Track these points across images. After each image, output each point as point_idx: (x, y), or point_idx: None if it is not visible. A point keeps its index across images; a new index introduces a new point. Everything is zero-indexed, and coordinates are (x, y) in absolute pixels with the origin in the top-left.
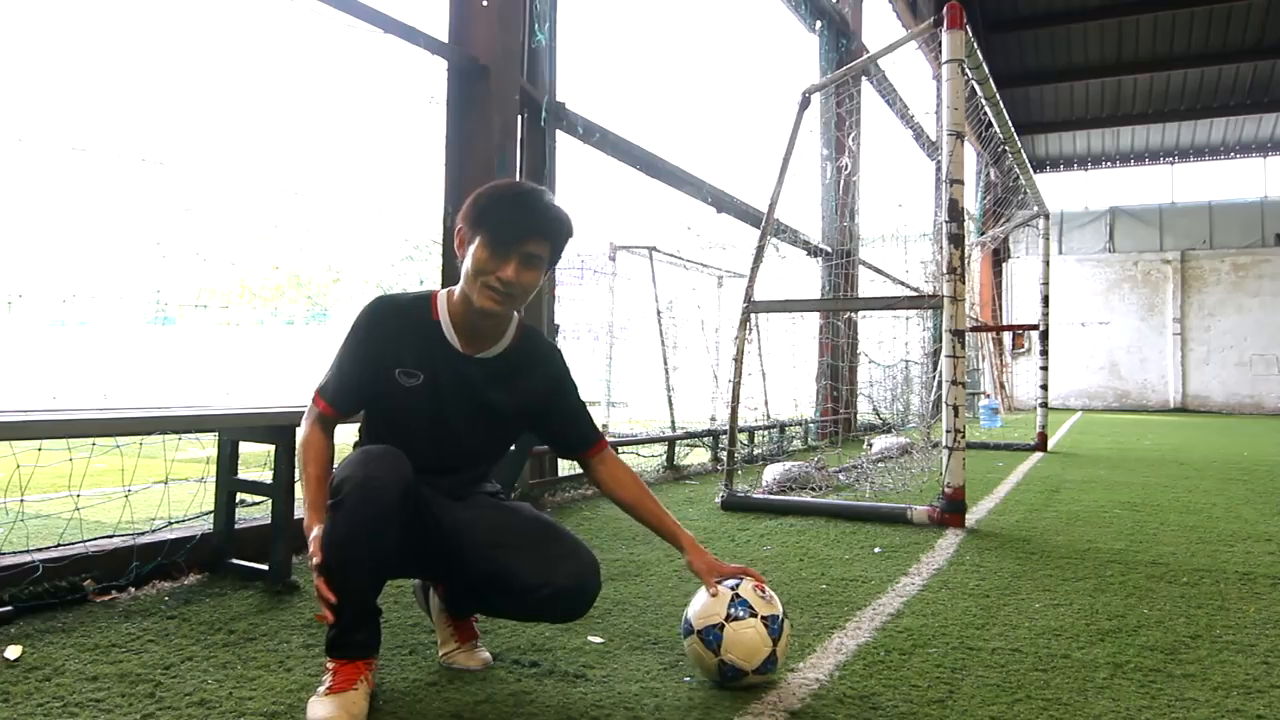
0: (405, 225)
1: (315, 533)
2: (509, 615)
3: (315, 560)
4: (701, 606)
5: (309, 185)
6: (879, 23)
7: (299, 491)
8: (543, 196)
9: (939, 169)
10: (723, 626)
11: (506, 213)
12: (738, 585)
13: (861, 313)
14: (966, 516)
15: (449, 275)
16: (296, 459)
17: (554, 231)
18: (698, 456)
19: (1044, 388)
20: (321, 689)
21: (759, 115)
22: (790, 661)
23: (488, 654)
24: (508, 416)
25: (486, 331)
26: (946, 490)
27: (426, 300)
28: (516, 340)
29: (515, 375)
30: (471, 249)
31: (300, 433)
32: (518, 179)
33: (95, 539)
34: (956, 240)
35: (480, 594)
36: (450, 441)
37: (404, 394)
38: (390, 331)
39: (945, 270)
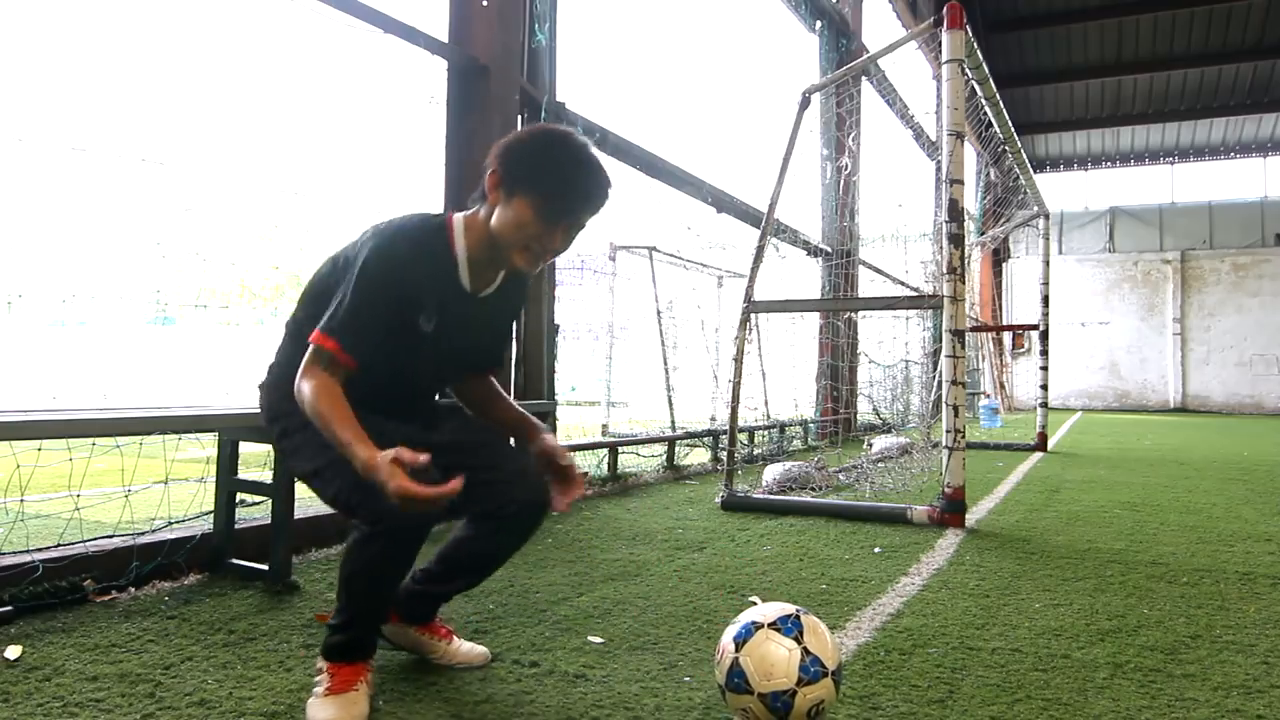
0: None
1: (381, 460)
2: (473, 552)
3: (398, 486)
4: (762, 664)
5: (309, 185)
6: (879, 23)
7: (299, 490)
8: (600, 166)
9: (939, 169)
10: (794, 694)
11: (568, 185)
12: (799, 628)
13: (861, 313)
14: (966, 516)
15: None
16: (311, 409)
17: (606, 203)
18: (698, 456)
19: (1044, 388)
20: (319, 690)
21: (759, 115)
22: None
23: (469, 645)
24: (496, 343)
25: (498, 269)
26: (946, 490)
27: (442, 232)
28: (510, 272)
29: (504, 304)
30: (514, 205)
31: (309, 382)
32: (566, 130)
33: (95, 539)
34: (956, 240)
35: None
36: (442, 377)
37: (418, 338)
38: (411, 276)
39: (945, 270)
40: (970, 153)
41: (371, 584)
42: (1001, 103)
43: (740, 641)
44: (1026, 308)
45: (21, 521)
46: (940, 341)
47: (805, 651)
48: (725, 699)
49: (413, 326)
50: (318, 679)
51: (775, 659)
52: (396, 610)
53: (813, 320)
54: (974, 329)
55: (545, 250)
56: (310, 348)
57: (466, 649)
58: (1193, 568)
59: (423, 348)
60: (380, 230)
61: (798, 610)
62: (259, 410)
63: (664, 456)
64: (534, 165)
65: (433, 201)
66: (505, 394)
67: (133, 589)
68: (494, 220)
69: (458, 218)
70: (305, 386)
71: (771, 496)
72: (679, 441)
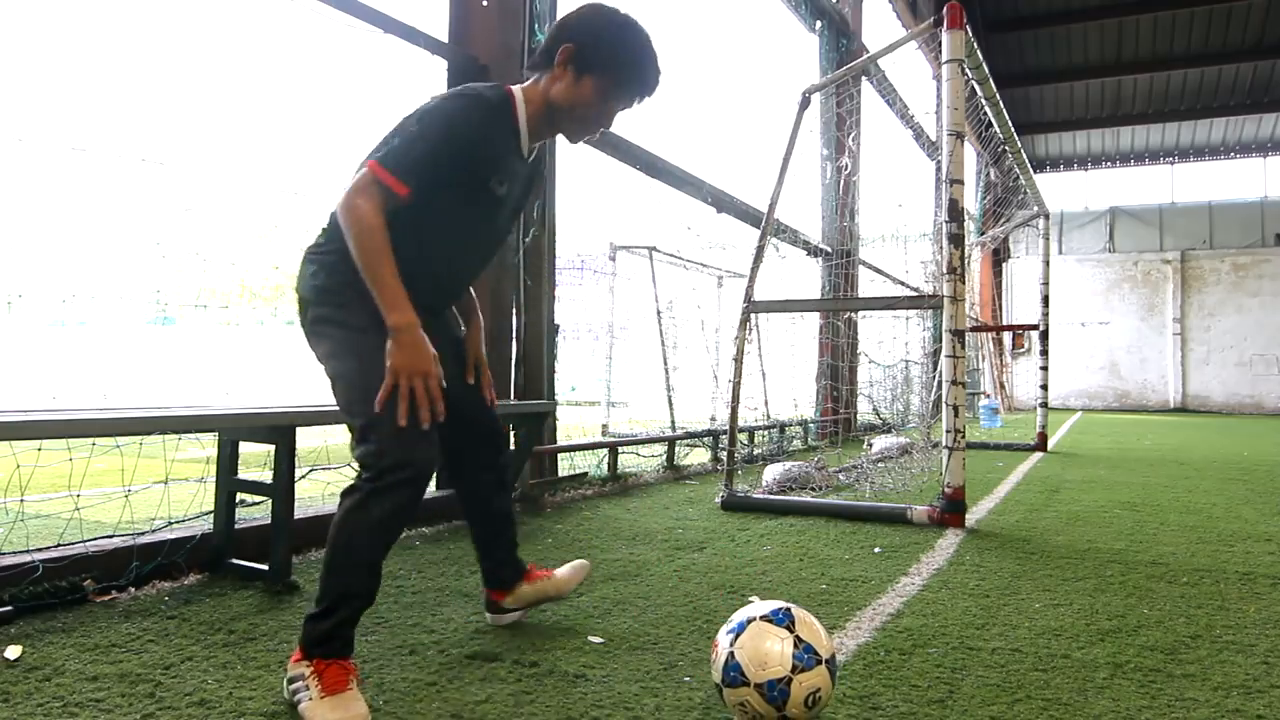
0: None
1: (424, 345)
2: (489, 511)
3: (432, 373)
4: (757, 654)
5: (309, 185)
6: (879, 23)
7: (299, 490)
8: (658, 55)
9: (939, 169)
10: (789, 680)
11: (637, 76)
12: (790, 619)
13: (861, 313)
14: (966, 516)
15: None
16: (358, 239)
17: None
18: (698, 456)
19: (1044, 388)
20: (311, 694)
21: (759, 115)
22: None
23: (567, 567)
24: (521, 208)
25: (543, 137)
26: (946, 490)
27: (509, 103)
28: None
29: (536, 169)
30: (582, 84)
31: (361, 213)
32: (633, 17)
33: (95, 539)
34: (956, 240)
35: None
36: (489, 249)
37: (493, 201)
38: (489, 139)
39: (945, 270)
40: (970, 153)
41: (366, 553)
42: (1001, 103)
43: (734, 637)
44: (1026, 308)
45: (21, 521)
46: (940, 341)
47: (798, 640)
48: (723, 696)
49: (484, 188)
50: (299, 685)
51: (769, 649)
52: (499, 588)
53: (813, 320)
54: (974, 329)
55: (598, 127)
56: (363, 171)
57: (568, 571)
58: (1193, 568)
59: (498, 210)
60: (456, 93)
61: (789, 605)
62: (298, 278)
63: (664, 456)
64: (610, 52)
65: None
66: (473, 296)
67: (133, 589)
68: (555, 92)
69: (517, 90)
70: (356, 211)
71: (771, 496)
72: (679, 441)
